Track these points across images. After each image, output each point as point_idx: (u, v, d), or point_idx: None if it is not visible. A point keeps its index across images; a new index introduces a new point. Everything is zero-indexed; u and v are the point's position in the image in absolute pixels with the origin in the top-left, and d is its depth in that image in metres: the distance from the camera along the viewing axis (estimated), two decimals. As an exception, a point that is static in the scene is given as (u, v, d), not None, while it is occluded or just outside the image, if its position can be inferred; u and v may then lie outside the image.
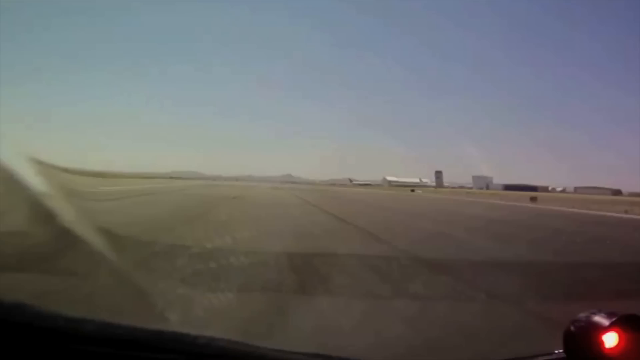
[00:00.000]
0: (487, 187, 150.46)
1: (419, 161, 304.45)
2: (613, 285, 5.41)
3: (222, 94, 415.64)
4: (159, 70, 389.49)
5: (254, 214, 15.61)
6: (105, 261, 4.29)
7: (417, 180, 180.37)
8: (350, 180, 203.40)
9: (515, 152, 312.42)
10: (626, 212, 25.54)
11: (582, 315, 1.02)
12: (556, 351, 1.04)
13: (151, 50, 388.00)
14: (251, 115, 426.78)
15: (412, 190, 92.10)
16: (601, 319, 0.98)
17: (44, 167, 6.21)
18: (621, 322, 0.96)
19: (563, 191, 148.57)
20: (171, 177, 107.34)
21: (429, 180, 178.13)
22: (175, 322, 3.07)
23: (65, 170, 14.26)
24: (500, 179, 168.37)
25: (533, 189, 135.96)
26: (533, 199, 48.57)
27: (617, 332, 0.95)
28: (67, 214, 5.20)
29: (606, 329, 0.95)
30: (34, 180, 4.86)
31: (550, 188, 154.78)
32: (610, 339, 0.95)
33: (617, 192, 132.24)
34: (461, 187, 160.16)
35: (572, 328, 1.00)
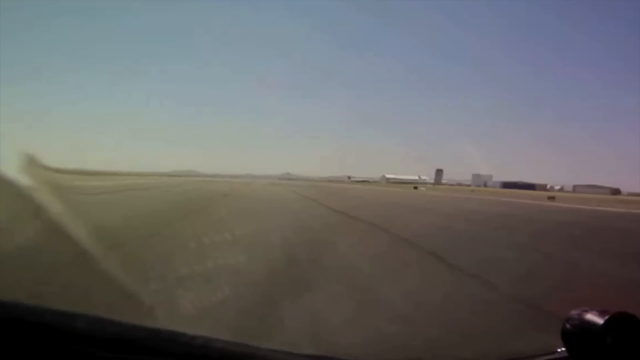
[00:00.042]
0: (485, 185, 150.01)
1: (417, 159, 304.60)
2: None
3: (222, 93, 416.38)
4: (159, 70, 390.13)
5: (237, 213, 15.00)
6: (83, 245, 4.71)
7: (415, 177, 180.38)
8: (349, 177, 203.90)
9: (513, 150, 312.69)
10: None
11: (575, 312, 1.02)
12: (558, 349, 1.04)
13: (151, 50, 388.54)
14: (251, 114, 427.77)
15: (415, 188, 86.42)
16: (595, 317, 0.98)
17: (34, 166, 6.69)
18: (616, 320, 0.98)
19: (561, 189, 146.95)
20: (170, 176, 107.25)
21: (428, 177, 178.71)
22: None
23: (58, 171, 14.88)
24: (497, 176, 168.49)
25: (531, 187, 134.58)
26: (551, 198, 47.41)
27: (613, 330, 0.97)
28: (52, 206, 5.69)
29: (603, 327, 0.96)
30: (21, 177, 5.30)
31: (548, 186, 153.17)
32: (608, 337, 0.96)
33: (616, 191, 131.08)
34: (459, 184, 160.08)
35: (568, 326, 1.01)
